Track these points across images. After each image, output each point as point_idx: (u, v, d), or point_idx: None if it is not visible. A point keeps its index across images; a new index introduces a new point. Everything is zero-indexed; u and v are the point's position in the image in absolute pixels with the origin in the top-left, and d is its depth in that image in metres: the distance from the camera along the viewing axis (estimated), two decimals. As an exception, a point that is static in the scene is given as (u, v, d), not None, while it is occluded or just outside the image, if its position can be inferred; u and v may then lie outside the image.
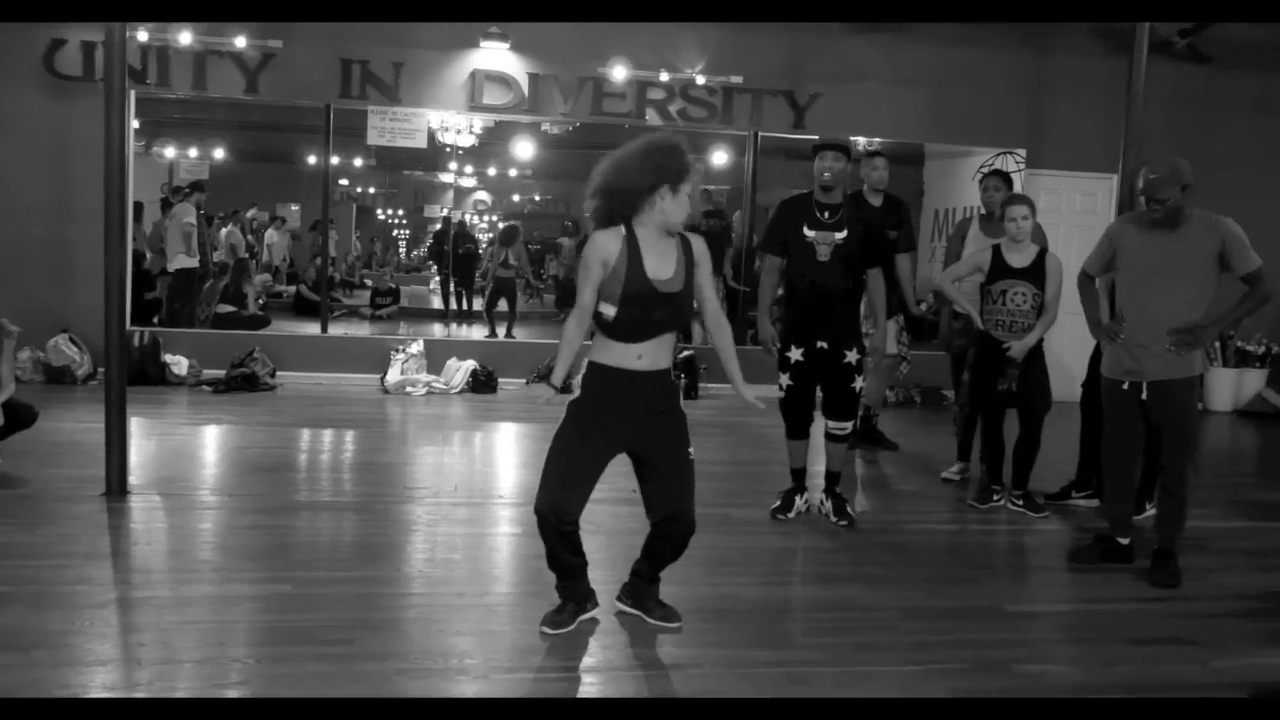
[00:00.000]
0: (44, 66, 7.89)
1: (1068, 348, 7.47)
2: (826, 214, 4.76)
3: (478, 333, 11.39)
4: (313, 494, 5.37)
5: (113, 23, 4.71)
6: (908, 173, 10.59)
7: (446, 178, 15.31)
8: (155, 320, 9.88)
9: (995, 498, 5.43)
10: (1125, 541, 4.51)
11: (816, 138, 8.49)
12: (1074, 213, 8.98)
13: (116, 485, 4.93)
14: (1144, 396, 4.32)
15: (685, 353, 8.72)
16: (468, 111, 8.73)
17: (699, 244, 3.39)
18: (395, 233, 17.69)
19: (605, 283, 3.26)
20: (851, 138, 8.54)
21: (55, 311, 7.98)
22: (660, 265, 3.28)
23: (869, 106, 8.77)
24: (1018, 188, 8.84)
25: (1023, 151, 8.95)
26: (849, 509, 4.99)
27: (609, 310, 3.27)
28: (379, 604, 3.74)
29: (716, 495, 5.44)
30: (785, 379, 4.92)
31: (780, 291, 5.10)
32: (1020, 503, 5.35)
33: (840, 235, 4.73)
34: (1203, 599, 4.15)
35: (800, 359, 4.83)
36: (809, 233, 4.75)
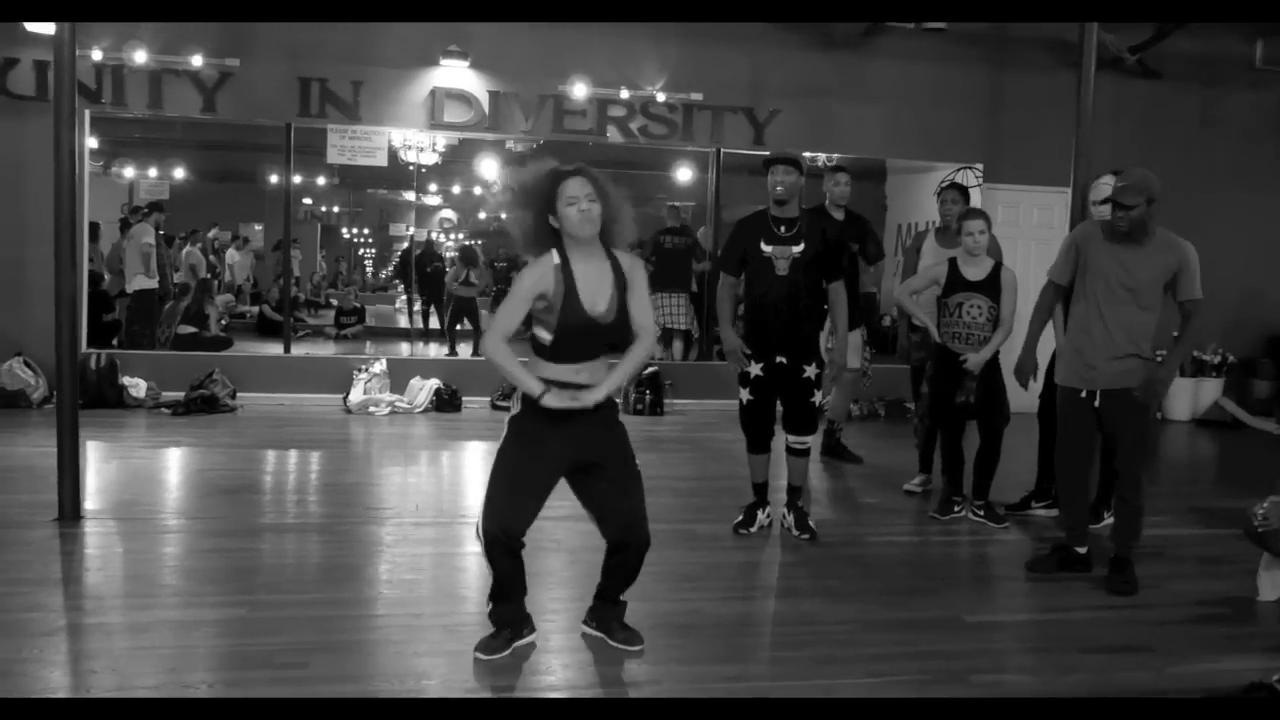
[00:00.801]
0: (-4, 87, 7.80)
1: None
2: (783, 228, 4.78)
3: (443, 351, 11.35)
4: (274, 516, 5.31)
5: (61, 41, 4.66)
6: (869, 188, 10.69)
7: (410, 196, 15.26)
8: (115, 342, 9.74)
9: (956, 509, 5.47)
10: (1082, 550, 4.56)
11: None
12: (1031, 226, 9.12)
13: (70, 510, 4.86)
14: (1097, 404, 4.38)
15: (650, 369, 8.74)
16: (428, 129, 8.72)
17: (630, 262, 3.32)
18: (361, 251, 17.60)
19: (540, 312, 3.23)
20: (811, 154, 8.63)
21: (9, 334, 7.87)
22: (595, 295, 3.23)
23: (828, 123, 8.85)
24: (976, 202, 8.98)
25: (980, 166, 9.07)
26: (810, 523, 5.01)
27: (545, 336, 3.25)
28: (338, 626, 3.70)
29: (681, 510, 5.45)
30: (745, 394, 4.93)
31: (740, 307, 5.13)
32: (981, 513, 5.40)
33: (798, 249, 4.75)
34: (1159, 606, 4.20)
35: (760, 374, 4.84)
36: (766, 248, 4.77)
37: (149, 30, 7.92)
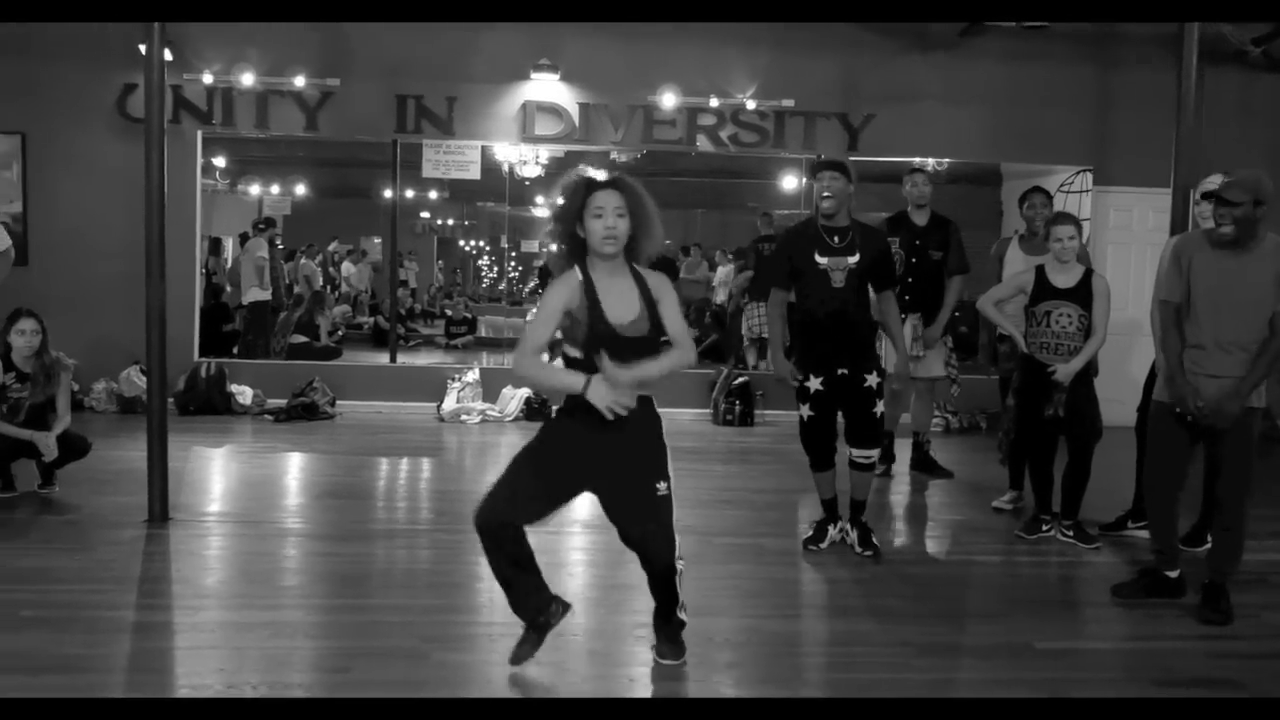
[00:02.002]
0: (117, 110, 8.25)
1: (1120, 370, 7.14)
2: (836, 238, 4.63)
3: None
4: (356, 522, 5.35)
5: (152, 65, 4.90)
6: (983, 194, 10.34)
7: (507, 209, 15.52)
8: (234, 351, 10.20)
9: (1044, 528, 5.19)
10: (1173, 574, 4.25)
11: (877, 159, 8.47)
12: (1146, 230, 8.61)
13: (158, 512, 5.06)
14: (1195, 422, 4.06)
15: (740, 379, 8.63)
16: (520, 142, 8.83)
17: (656, 279, 3.25)
18: (479, 263, 17.96)
19: (568, 329, 3.17)
20: (909, 158, 8.38)
21: (127, 345, 8.26)
22: (621, 309, 3.15)
23: (925, 126, 8.59)
24: (1086, 206, 8.58)
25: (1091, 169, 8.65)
26: (874, 540, 4.82)
27: (575, 353, 3.18)
28: (380, 632, 3.72)
29: (754, 525, 5.35)
30: (806, 410, 4.77)
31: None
32: (1070, 534, 5.10)
33: (853, 259, 4.59)
34: (1252, 638, 3.89)
35: (820, 388, 4.68)
36: (821, 260, 4.61)
37: (255, 53, 8.27)
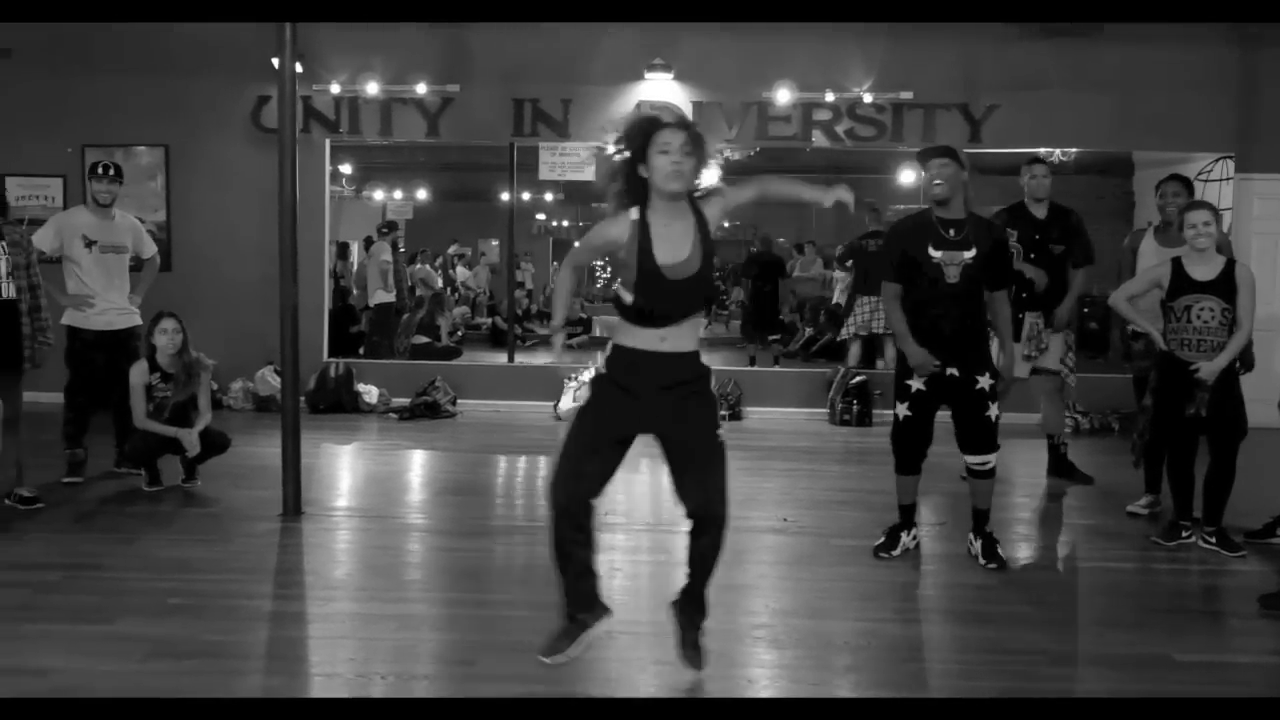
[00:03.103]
0: (251, 121, 8.63)
1: (1263, 368, 6.73)
2: (951, 231, 4.41)
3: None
4: (476, 518, 5.46)
5: (284, 77, 5.11)
6: (1112, 184, 9.94)
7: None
8: (360, 351, 10.56)
9: (1184, 534, 4.94)
10: (1329, 586, 4.00)
11: (1001, 151, 8.22)
12: (1293, 220, 8.15)
13: (291, 506, 5.26)
14: None
15: (857, 379, 8.49)
16: (635, 143, 8.86)
17: (713, 203, 3.17)
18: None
19: (619, 269, 3.13)
20: (1036, 149, 8.09)
21: (263, 345, 8.63)
22: (673, 250, 3.08)
23: (1051, 115, 8.28)
24: (1227, 195, 8.14)
25: (1233, 155, 8.21)
26: (1000, 551, 4.62)
27: (626, 296, 3.12)
28: (502, 627, 3.81)
29: (870, 526, 5.23)
30: (903, 409, 4.57)
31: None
32: (1213, 540, 4.85)
33: (969, 254, 4.39)
34: None
35: (922, 388, 4.49)
36: (935, 253, 4.40)
37: (379, 62, 8.53)
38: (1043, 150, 7.95)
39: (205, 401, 5.87)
